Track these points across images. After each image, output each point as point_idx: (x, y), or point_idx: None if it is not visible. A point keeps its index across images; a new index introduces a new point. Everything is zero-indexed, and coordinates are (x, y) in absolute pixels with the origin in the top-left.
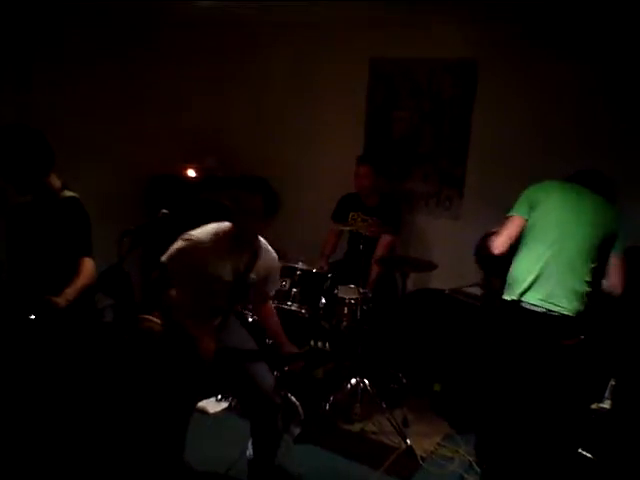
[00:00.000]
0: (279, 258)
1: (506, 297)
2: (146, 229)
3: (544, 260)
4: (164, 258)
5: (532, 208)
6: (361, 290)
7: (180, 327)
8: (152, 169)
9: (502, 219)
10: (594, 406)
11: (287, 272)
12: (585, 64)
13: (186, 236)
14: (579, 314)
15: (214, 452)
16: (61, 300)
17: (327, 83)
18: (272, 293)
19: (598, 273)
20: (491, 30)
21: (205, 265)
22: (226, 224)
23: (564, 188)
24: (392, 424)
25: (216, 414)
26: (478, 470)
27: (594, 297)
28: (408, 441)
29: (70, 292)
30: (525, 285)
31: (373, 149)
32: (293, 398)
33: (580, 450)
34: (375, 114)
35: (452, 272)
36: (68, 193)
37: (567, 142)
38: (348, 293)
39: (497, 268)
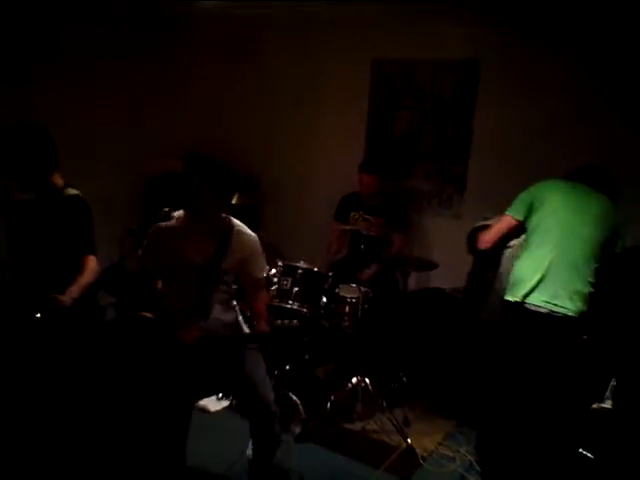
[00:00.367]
0: (280, 257)
1: (509, 298)
2: (148, 228)
3: (548, 261)
4: (139, 251)
5: (534, 208)
6: (362, 289)
7: (168, 316)
8: (153, 168)
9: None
10: (595, 406)
11: (288, 271)
12: (586, 64)
13: (153, 226)
14: (582, 315)
15: (215, 450)
16: (66, 298)
17: (329, 83)
18: (260, 276)
19: (600, 274)
20: (493, 30)
21: (172, 250)
22: None
23: (567, 188)
24: (393, 423)
25: (217, 413)
26: (479, 469)
27: (596, 297)
28: (409, 440)
29: (74, 290)
30: (529, 286)
31: (375, 149)
32: (294, 397)
33: (581, 450)
34: (377, 114)
35: (453, 271)
36: (71, 191)
37: (569, 141)
38: (349, 292)
39: (488, 258)
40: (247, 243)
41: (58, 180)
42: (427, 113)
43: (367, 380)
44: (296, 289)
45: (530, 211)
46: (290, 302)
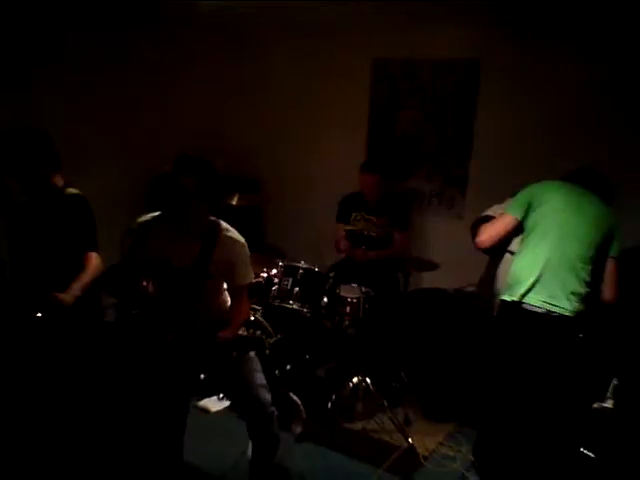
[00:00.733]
0: (282, 258)
1: (506, 298)
2: (149, 228)
3: (545, 261)
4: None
5: (532, 208)
6: (363, 289)
7: (151, 312)
8: (155, 168)
9: None
10: (596, 405)
11: (289, 271)
12: (588, 63)
13: (142, 221)
14: (579, 314)
15: (215, 451)
16: (67, 297)
17: (330, 84)
18: (241, 284)
19: (597, 274)
20: (494, 30)
21: (157, 249)
22: None
23: (565, 189)
24: (394, 423)
25: (217, 413)
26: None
27: (594, 297)
28: (410, 440)
29: (76, 287)
30: (526, 286)
31: (376, 150)
32: (295, 397)
33: (582, 449)
34: (378, 114)
35: (454, 271)
36: (72, 190)
37: (570, 141)
38: (350, 292)
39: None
40: (234, 248)
41: (59, 180)
42: (428, 113)
43: (368, 380)
44: (297, 289)
45: (528, 211)
46: (291, 302)
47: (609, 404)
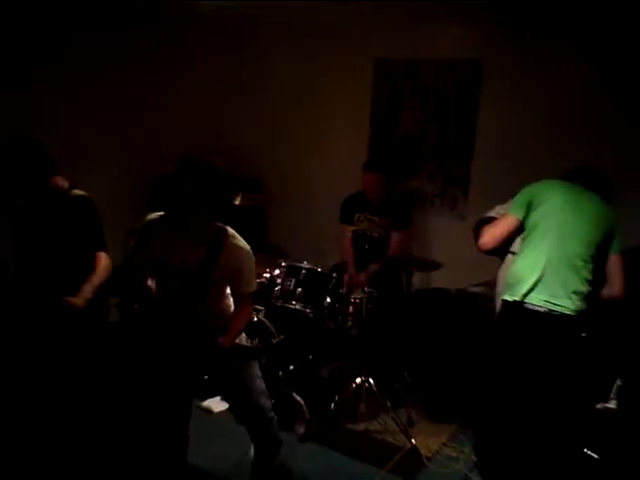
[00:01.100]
0: (284, 258)
1: (507, 297)
2: (153, 229)
3: (546, 260)
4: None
5: (532, 207)
6: (366, 289)
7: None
8: (156, 168)
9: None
10: (600, 406)
11: (292, 272)
12: (589, 63)
13: (147, 220)
14: (581, 313)
15: (218, 451)
16: (79, 300)
17: (331, 84)
18: (245, 292)
19: (598, 273)
20: (496, 30)
21: (161, 250)
22: None
23: (565, 188)
24: (397, 423)
25: (220, 414)
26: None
27: (596, 296)
28: (413, 441)
29: (88, 290)
30: (528, 286)
31: (378, 150)
32: (298, 397)
33: (586, 450)
34: (380, 115)
35: (457, 271)
36: (77, 192)
37: (572, 141)
38: (353, 292)
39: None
40: (240, 255)
41: (61, 183)
42: (430, 113)
43: (371, 380)
44: (300, 290)
45: (528, 210)
46: (294, 303)
47: (613, 405)
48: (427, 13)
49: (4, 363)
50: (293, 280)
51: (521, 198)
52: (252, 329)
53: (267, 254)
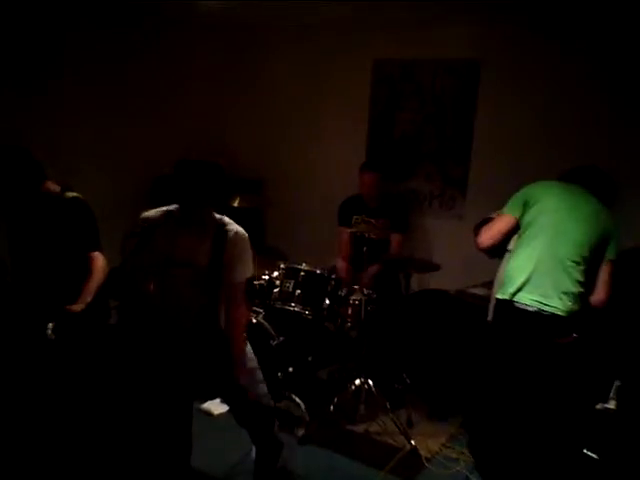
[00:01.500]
0: (283, 260)
1: (499, 296)
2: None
3: (537, 260)
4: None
5: (528, 207)
6: (365, 291)
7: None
8: (156, 170)
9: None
10: (599, 406)
11: (291, 273)
12: (588, 63)
13: (144, 219)
14: (572, 314)
15: (219, 453)
16: (79, 307)
17: (330, 85)
18: (239, 281)
19: (592, 276)
20: (493, 31)
21: (157, 245)
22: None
23: (561, 189)
24: (396, 425)
25: (220, 415)
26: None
27: (588, 297)
28: (412, 442)
29: (86, 295)
30: (517, 284)
31: (376, 151)
32: (297, 399)
33: (585, 450)
34: (378, 115)
35: (456, 272)
36: (71, 194)
37: (570, 142)
38: (352, 294)
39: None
40: (241, 244)
41: (53, 187)
42: (428, 114)
43: (370, 382)
44: (298, 291)
45: (524, 210)
46: (293, 304)
47: (612, 405)
48: (425, 14)
49: (5, 366)
50: (292, 282)
51: (518, 197)
52: (251, 331)
53: (266, 256)
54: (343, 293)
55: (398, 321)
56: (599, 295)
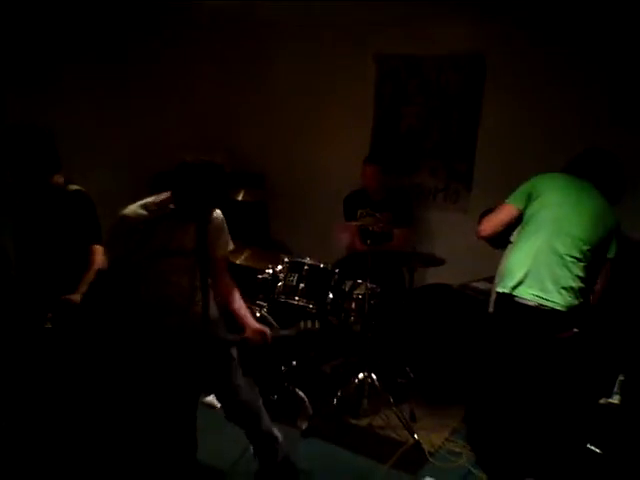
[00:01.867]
0: (287, 254)
1: (499, 289)
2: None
3: (536, 254)
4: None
5: (531, 200)
6: (369, 285)
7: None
8: (158, 165)
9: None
10: (603, 401)
11: (294, 267)
12: (593, 58)
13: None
14: (572, 309)
15: (222, 446)
16: (76, 297)
17: (334, 80)
18: (225, 253)
19: (593, 271)
20: (498, 25)
21: (154, 239)
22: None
23: (567, 183)
24: (399, 419)
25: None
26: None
27: (590, 293)
28: (415, 436)
29: (84, 286)
30: (517, 278)
31: (381, 145)
32: (301, 393)
33: (589, 445)
34: (383, 110)
35: (460, 267)
36: (74, 187)
37: (574, 136)
38: (356, 288)
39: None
40: (215, 219)
41: (58, 179)
42: (433, 108)
43: (374, 376)
44: (302, 285)
45: (527, 202)
46: (296, 298)
47: (615, 400)
48: (430, 8)
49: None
50: (296, 276)
51: (523, 189)
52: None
53: (270, 250)
54: (347, 287)
55: (401, 315)
56: (595, 290)
